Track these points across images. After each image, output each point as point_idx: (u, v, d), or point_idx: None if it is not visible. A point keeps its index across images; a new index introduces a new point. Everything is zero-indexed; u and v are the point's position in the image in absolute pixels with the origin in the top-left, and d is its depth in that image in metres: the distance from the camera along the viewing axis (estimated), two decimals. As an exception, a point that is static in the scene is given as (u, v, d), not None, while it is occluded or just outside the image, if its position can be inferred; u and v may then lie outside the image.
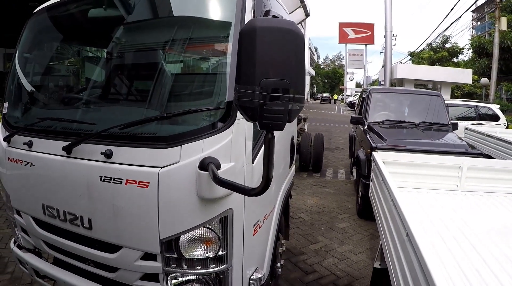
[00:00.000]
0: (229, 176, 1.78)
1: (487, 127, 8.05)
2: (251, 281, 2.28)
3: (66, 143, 2.10)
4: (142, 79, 2.56)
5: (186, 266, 1.98)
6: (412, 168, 3.54)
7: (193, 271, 1.99)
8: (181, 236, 1.93)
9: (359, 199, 5.78)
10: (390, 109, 6.91)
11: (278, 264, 3.23)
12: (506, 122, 10.94)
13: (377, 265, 3.05)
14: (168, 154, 1.85)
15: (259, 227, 2.37)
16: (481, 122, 9.89)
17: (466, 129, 7.60)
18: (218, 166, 1.79)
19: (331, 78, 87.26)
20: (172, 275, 2.03)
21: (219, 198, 1.86)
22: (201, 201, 1.86)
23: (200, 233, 1.94)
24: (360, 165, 5.58)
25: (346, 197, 6.80)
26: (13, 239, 2.89)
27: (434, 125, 6.32)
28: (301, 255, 4.37)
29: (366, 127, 6.33)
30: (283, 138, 3.18)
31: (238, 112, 1.86)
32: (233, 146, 1.90)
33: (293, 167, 4.15)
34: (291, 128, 3.69)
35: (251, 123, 2.06)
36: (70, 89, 2.91)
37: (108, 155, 1.98)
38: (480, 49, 20.31)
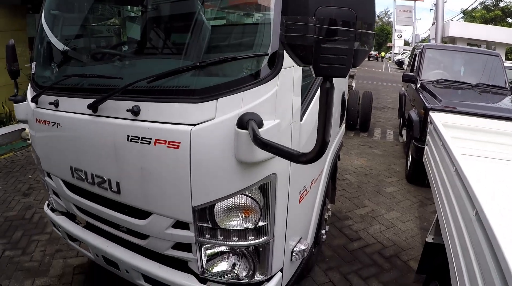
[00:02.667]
0: (273, 136, 1.40)
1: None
2: (293, 254, 1.93)
3: (92, 101, 1.75)
4: (175, 31, 2.17)
5: (222, 237, 1.64)
6: (474, 134, 2.99)
7: (230, 242, 1.66)
8: (216, 204, 1.58)
9: (409, 162, 5.16)
10: (445, 67, 6.08)
11: (323, 231, 2.86)
12: None
13: (430, 239, 2.60)
14: (201, 110, 1.48)
15: (306, 194, 1.99)
16: None
17: None
18: (260, 124, 1.41)
19: (378, 35, 79.30)
20: (206, 245, 1.69)
21: (260, 161, 1.47)
22: (240, 165, 1.49)
23: (238, 201, 1.58)
24: (412, 127, 4.93)
25: (395, 159, 6.14)
26: (47, 202, 2.66)
27: (492, 87, 5.52)
28: (347, 220, 3.96)
29: (419, 86, 5.57)
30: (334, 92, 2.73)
31: (285, 60, 1.44)
32: (278, 100, 1.50)
33: (343, 125, 3.65)
34: (342, 81, 3.17)
35: (300, 73, 1.64)
36: (99, 45, 2.56)
37: (135, 112, 1.62)
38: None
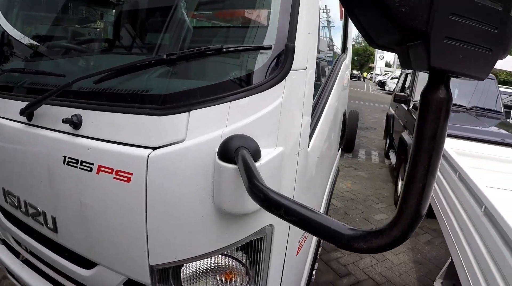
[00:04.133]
0: (274, 172, 0.86)
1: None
2: None
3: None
4: (145, 22, 1.59)
5: None
6: (489, 162, 2.53)
7: None
8: (185, 266, 1.04)
9: (399, 188, 4.63)
10: None
11: (313, 271, 2.34)
12: None
13: (438, 283, 2.13)
14: (166, 126, 0.95)
15: (304, 241, 1.45)
16: None
17: None
18: (257, 155, 0.88)
19: (360, 55, 79.58)
20: None
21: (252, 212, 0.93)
22: (221, 214, 0.95)
23: (216, 262, 1.04)
24: (405, 150, 4.44)
25: (382, 183, 5.55)
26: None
27: (487, 111, 5.07)
28: (334, 252, 3.43)
29: (411, 106, 5.05)
30: (338, 109, 2.18)
31: (296, 58, 0.92)
32: (282, 116, 0.96)
33: (340, 149, 3.07)
34: (343, 92, 2.61)
35: (313, 79, 1.12)
36: (50, 35, 1.99)
37: (74, 123, 1.08)
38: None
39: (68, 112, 1.12)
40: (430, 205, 4.22)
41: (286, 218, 0.59)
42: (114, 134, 1.02)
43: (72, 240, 1.24)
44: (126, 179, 0.98)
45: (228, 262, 1.02)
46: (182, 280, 1.04)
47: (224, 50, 0.93)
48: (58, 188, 1.19)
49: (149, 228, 0.99)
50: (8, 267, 1.69)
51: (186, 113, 0.92)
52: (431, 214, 4.13)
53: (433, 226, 4.07)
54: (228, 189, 0.87)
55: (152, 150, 0.95)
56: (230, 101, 0.90)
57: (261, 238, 1.02)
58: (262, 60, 0.93)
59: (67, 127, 1.12)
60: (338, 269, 3.10)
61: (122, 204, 1.01)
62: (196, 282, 1.05)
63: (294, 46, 0.93)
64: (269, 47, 0.93)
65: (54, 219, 1.26)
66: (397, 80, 8.56)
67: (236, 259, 1.03)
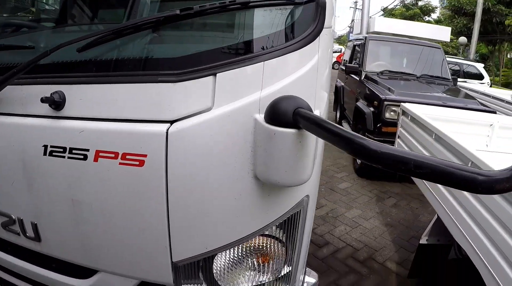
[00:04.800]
0: (309, 142, 0.75)
1: (475, 85, 7.05)
2: None
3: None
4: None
5: None
6: (460, 126, 2.65)
7: None
8: (217, 256, 0.89)
9: None
10: (387, 59, 5.69)
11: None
12: (489, 82, 9.43)
13: (424, 241, 2.24)
14: (185, 94, 0.78)
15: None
16: (465, 80, 8.38)
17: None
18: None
19: None
20: None
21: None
22: (259, 190, 0.82)
23: (253, 245, 0.90)
24: (363, 119, 4.47)
25: (339, 153, 5.43)
26: None
27: (436, 78, 5.26)
28: None
29: (363, 77, 5.10)
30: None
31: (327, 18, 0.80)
32: (318, 78, 0.85)
33: None
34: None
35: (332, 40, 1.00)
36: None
37: (55, 102, 0.86)
38: (458, 8, 18.60)
39: (43, 91, 0.88)
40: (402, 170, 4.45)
41: (417, 172, 0.48)
42: (113, 110, 0.82)
43: (61, 247, 1.02)
44: (137, 163, 0.79)
45: (267, 243, 0.89)
46: (214, 272, 0.89)
47: (251, 4, 0.77)
48: (38, 187, 0.95)
49: (172, 219, 0.82)
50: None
51: (211, 77, 0.76)
52: (401, 178, 4.35)
53: (396, 190, 4.27)
54: (284, 157, 0.74)
55: (169, 124, 0.77)
56: (263, 61, 0.75)
57: (298, 211, 0.91)
58: (295, 15, 0.80)
59: (44, 110, 0.89)
60: (315, 240, 3.11)
61: (132, 194, 0.83)
62: (231, 271, 0.90)
63: (325, 2, 0.81)
64: (301, 3, 0.79)
65: (35, 226, 1.02)
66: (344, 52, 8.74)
67: (276, 238, 0.90)
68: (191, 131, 0.77)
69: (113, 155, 0.81)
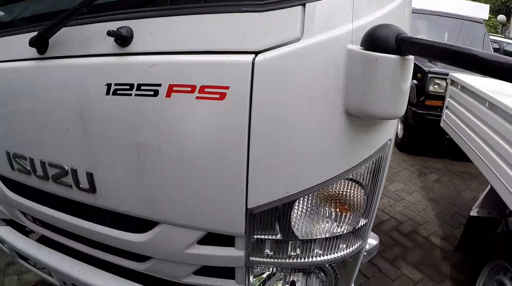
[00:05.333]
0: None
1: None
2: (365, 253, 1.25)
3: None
4: None
5: (296, 253, 0.90)
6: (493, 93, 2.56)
7: (308, 260, 0.91)
8: (297, 202, 0.82)
9: (399, 130, 4.54)
10: (428, 33, 5.41)
11: None
12: None
13: (474, 212, 2.19)
14: (272, 24, 0.71)
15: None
16: None
17: None
18: None
19: None
20: (261, 268, 0.95)
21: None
22: (350, 127, 0.76)
23: (335, 190, 0.83)
24: None
25: None
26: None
27: None
28: None
29: None
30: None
31: None
32: (406, 10, 0.82)
33: None
34: None
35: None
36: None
37: (123, 37, 0.79)
38: (497, -15, 17.60)
39: (104, 29, 0.81)
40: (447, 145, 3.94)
41: None
42: (190, 43, 0.75)
43: (119, 198, 0.97)
44: (218, 96, 0.73)
45: (349, 189, 0.83)
46: (292, 220, 0.83)
47: None
48: (98, 132, 0.90)
49: (252, 158, 0.76)
50: (20, 250, 1.36)
51: (300, 7, 0.69)
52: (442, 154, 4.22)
53: (437, 166, 4.21)
54: (386, 85, 0.68)
55: (253, 55, 0.70)
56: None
57: (381, 156, 0.84)
58: None
59: (107, 47, 0.82)
60: (360, 212, 3.09)
61: (209, 130, 0.76)
62: (309, 220, 0.84)
63: None
64: None
65: (90, 176, 0.97)
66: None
67: (359, 184, 0.83)
68: (279, 61, 0.70)
69: (189, 89, 0.74)
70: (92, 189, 0.98)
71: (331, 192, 0.81)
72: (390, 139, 0.86)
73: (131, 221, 1.01)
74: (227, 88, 0.72)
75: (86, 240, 1.18)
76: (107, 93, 0.83)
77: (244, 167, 0.77)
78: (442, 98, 3.36)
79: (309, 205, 0.83)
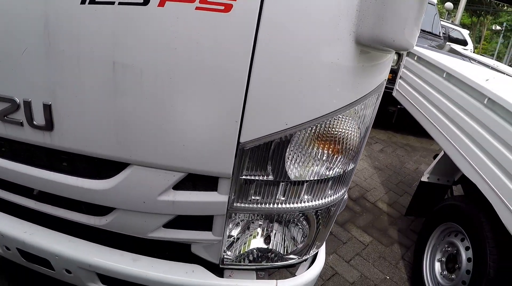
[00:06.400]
0: None
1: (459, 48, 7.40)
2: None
3: None
4: None
5: (285, 198, 0.86)
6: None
7: (296, 205, 0.88)
8: (293, 138, 0.77)
9: None
10: None
11: None
12: (472, 49, 9.75)
13: (425, 178, 2.37)
14: None
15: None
16: (449, 43, 9.14)
17: None
18: None
19: None
20: (240, 215, 0.88)
21: None
22: (359, 58, 0.73)
23: (331, 127, 0.79)
24: None
25: None
26: None
27: (427, 33, 5.30)
28: None
29: None
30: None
31: None
32: None
33: None
34: None
35: None
36: None
37: None
38: (446, -27, 18.71)
39: None
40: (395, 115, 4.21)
41: None
42: None
43: (81, 135, 0.84)
44: (222, 7, 0.65)
45: (345, 127, 0.79)
46: (287, 159, 0.77)
47: None
48: (63, 51, 0.76)
49: (253, 84, 0.70)
50: None
51: None
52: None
53: (382, 137, 4.47)
54: (407, 13, 0.66)
55: None
56: None
57: (377, 95, 0.84)
58: None
59: None
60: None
61: (206, 48, 0.69)
62: (304, 159, 0.79)
63: None
64: None
65: (48, 109, 0.83)
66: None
67: (355, 121, 0.80)
68: None
69: (187, -1, 0.64)
70: (48, 125, 0.84)
71: (328, 128, 0.76)
72: (385, 80, 0.86)
73: (93, 166, 0.88)
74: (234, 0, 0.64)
75: (32, 194, 1.01)
76: (83, 2, 0.70)
77: (243, 94, 0.70)
78: (392, 71, 3.49)
79: (306, 142, 0.78)
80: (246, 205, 0.84)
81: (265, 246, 0.97)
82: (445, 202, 2.09)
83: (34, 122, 0.85)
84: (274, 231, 0.95)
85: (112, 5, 0.68)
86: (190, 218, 0.88)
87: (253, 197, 0.83)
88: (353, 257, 2.26)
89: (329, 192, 0.91)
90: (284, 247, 0.98)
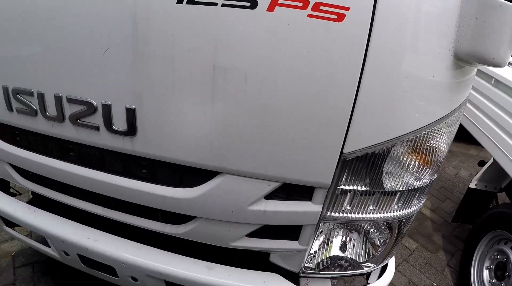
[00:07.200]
0: None
1: None
2: None
3: None
4: None
5: (377, 208, 0.83)
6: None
7: (387, 214, 0.85)
8: (393, 149, 0.75)
9: None
10: None
11: None
12: None
13: (473, 185, 2.33)
14: None
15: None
16: None
17: None
18: None
19: None
20: (329, 224, 0.86)
21: None
22: (456, 70, 0.74)
23: (427, 138, 0.78)
24: None
25: None
26: None
27: None
28: None
29: None
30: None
31: None
32: None
33: None
34: None
35: None
36: None
37: None
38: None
39: None
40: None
41: None
42: None
43: (168, 141, 0.80)
44: (335, 17, 0.61)
45: (438, 138, 0.79)
46: (384, 170, 0.74)
47: None
48: (155, 52, 0.72)
49: (361, 95, 0.67)
50: (10, 215, 1.10)
51: None
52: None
53: None
54: (504, 32, 0.66)
55: None
56: None
57: (463, 108, 0.83)
58: None
59: None
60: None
61: (316, 57, 0.66)
62: (399, 169, 0.77)
63: None
64: None
65: (131, 113, 0.80)
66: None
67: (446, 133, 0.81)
68: None
69: (300, 4, 0.62)
70: (131, 130, 0.81)
71: (423, 140, 0.75)
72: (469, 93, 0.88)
73: (176, 173, 0.84)
74: (347, 9, 0.62)
75: (99, 200, 0.98)
76: (179, 1, 0.66)
77: (351, 104, 0.68)
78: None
79: (403, 153, 0.75)
80: (338, 214, 0.82)
81: (342, 254, 0.94)
82: (494, 209, 2.07)
83: (114, 127, 0.82)
84: (352, 239, 0.93)
85: (214, 6, 0.65)
86: (275, 227, 0.85)
87: (346, 207, 0.81)
88: (401, 263, 2.25)
89: (415, 202, 0.89)
90: (360, 255, 0.96)
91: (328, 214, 0.81)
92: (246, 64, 0.68)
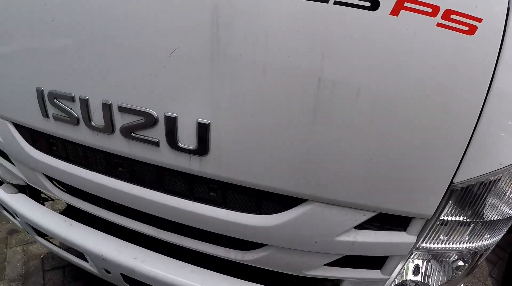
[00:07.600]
0: None
1: None
2: None
3: None
4: None
5: (471, 238, 0.76)
6: None
7: (477, 244, 0.78)
8: (504, 176, 0.67)
9: None
10: None
11: None
12: None
13: None
14: None
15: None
16: None
17: None
18: None
19: None
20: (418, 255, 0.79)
21: None
22: None
23: None
24: None
25: None
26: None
27: None
28: None
29: None
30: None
31: None
32: None
33: None
34: None
35: None
36: None
37: None
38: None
39: None
40: None
41: None
42: None
43: (250, 164, 0.69)
44: (467, 29, 0.52)
45: None
46: (487, 199, 0.67)
47: None
48: (241, 57, 0.61)
49: (484, 119, 0.57)
50: (44, 228, 1.00)
51: None
52: None
53: None
54: None
55: None
56: None
57: None
58: None
59: None
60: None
61: (443, 75, 0.57)
62: (501, 198, 0.69)
63: None
64: None
65: (204, 128, 0.68)
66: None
67: None
68: None
69: (429, 10, 0.52)
70: (202, 149, 0.70)
71: None
72: None
73: (252, 198, 0.74)
74: (480, 20, 0.53)
75: (149, 219, 0.89)
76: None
77: (471, 130, 0.58)
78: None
79: (508, 182, 0.67)
80: (432, 245, 0.74)
81: (413, 278, 0.88)
82: None
83: (179, 144, 0.71)
84: (432, 266, 0.86)
85: (325, 3, 0.54)
86: (358, 256, 0.77)
87: (441, 238, 0.73)
88: (443, 273, 2.20)
89: (504, 229, 0.82)
90: (431, 281, 0.90)
91: (421, 245, 0.73)
92: (359, 78, 0.57)
